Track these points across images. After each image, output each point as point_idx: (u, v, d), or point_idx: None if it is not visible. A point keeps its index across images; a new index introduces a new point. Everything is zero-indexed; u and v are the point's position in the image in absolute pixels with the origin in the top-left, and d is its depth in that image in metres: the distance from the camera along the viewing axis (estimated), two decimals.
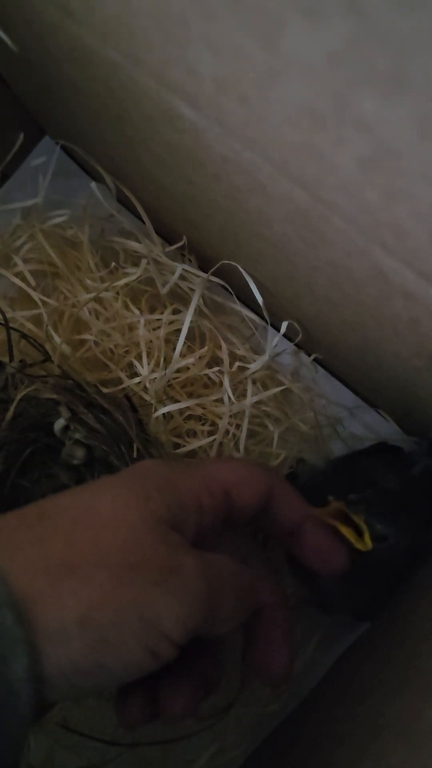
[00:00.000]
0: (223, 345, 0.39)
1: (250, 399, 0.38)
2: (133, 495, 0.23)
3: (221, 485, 0.25)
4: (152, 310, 0.41)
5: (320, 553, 0.27)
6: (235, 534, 0.28)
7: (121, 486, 0.23)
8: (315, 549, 0.27)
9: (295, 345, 0.43)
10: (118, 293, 0.39)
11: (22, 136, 0.43)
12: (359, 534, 0.27)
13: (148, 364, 0.38)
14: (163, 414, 0.38)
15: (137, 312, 0.39)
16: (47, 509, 0.22)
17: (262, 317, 0.42)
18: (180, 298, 0.41)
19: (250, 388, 0.38)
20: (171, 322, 0.39)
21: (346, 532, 0.26)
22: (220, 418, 0.38)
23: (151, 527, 0.22)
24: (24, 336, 0.36)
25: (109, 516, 0.22)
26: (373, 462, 0.36)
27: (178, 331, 0.39)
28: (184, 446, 0.38)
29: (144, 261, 0.39)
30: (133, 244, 0.41)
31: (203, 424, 0.40)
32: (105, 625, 0.20)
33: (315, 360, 0.43)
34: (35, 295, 0.39)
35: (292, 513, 0.27)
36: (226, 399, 0.38)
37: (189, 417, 0.40)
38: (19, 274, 0.40)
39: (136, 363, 0.38)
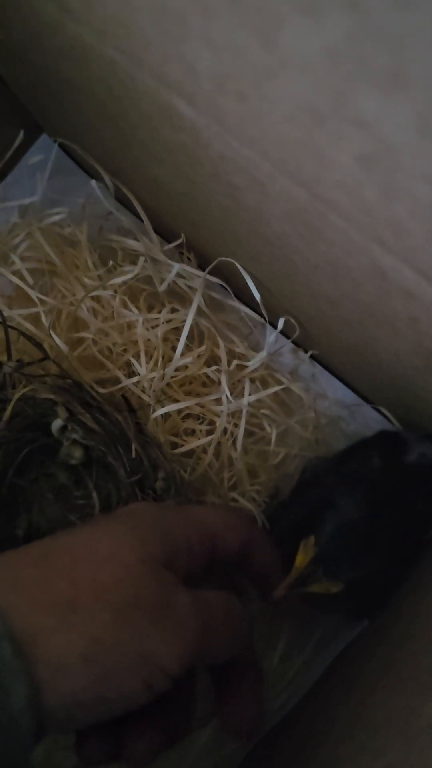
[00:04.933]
0: (221, 343, 0.39)
1: (247, 398, 0.38)
2: (129, 536, 0.24)
3: (208, 529, 0.27)
4: (150, 309, 0.41)
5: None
6: (216, 581, 0.30)
7: (119, 527, 0.25)
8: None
9: (293, 342, 0.42)
10: (116, 291, 0.39)
11: (22, 133, 0.43)
12: None
13: (147, 363, 0.38)
14: (161, 413, 0.37)
15: (135, 311, 0.39)
16: (50, 548, 0.23)
17: (260, 315, 0.42)
18: (178, 296, 0.41)
19: (247, 386, 0.38)
20: (169, 321, 0.39)
21: (316, 588, 0.30)
22: (219, 417, 0.38)
23: (147, 566, 0.23)
24: (22, 334, 0.36)
25: (108, 555, 0.23)
26: (371, 452, 0.36)
27: (176, 329, 0.39)
28: (182, 446, 0.38)
29: (142, 259, 0.39)
30: (132, 243, 0.41)
31: (201, 423, 0.39)
32: (106, 660, 0.21)
33: (313, 357, 0.43)
34: (33, 294, 0.39)
35: (267, 564, 0.30)
36: (224, 398, 0.38)
37: (187, 416, 0.40)
38: (16, 273, 0.40)
39: (134, 362, 0.38)
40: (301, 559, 0.30)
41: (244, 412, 0.38)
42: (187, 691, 0.27)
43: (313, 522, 0.30)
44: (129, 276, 0.39)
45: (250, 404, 0.38)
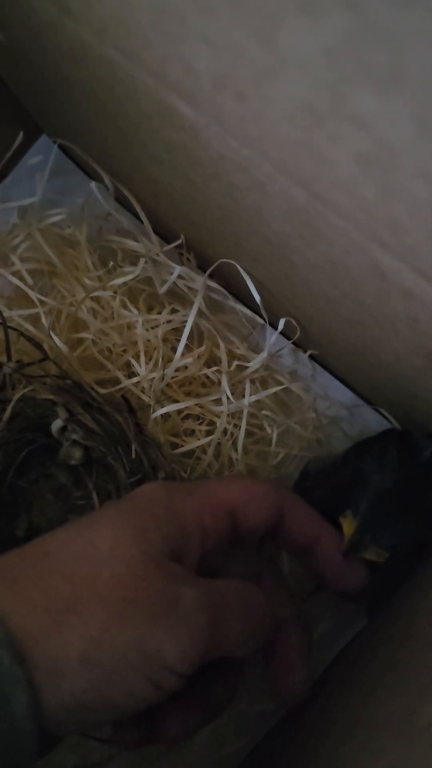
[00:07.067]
0: (221, 344, 0.39)
1: (248, 398, 0.38)
2: (130, 529, 0.23)
3: (225, 505, 0.26)
4: (150, 309, 0.41)
5: (336, 572, 0.28)
6: (246, 552, 0.28)
7: (119, 520, 0.24)
8: (331, 567, 0.28)
9: (293, 343, 0.42)
10: (115, 292, 0.39)
11: (21, 134, 0.43)
12: None
13: (146, 363, 0.38)
14: (161, 413, 0.37)
15: (135, 311, 0.39)
16: (50, 547, 0.23)
17: (260, 316, 0.42)
18: (178, 297, 0.41)
19: (248, 387, 0.38)
20: (169, 321, 0.39)
21: (369, 555, 0.28)
22: (218, 417, 0.38)
23: (149, 561, 0.22)
24: (22, 335, 0.36)
25: (107, 552, 0.22)
26: (383, 448, 0.36)
27: (176, 330, 0.39)
28: (182, 446, 0.38)
29: (142, 260, 0.39)
30: (131, 243, 0.41)
31: (201, 424, 0.40)
32: (106, 660, 0.20)
33: (312, 357, 0.43)
34: (33, 294, 0.39)
35: (305, 531, 0.28)
36: (224, 399, 0.38)
37: (187, 416, 0.40)
38: (16, 273, 0.40)
39: (134, 362, 0.38)
40: (348, 527, 0.28)
41: (245, 412, 0.38)
42: (222, 669, 0.25)
43: (340, 503, 0.29)
44: (129, 277, 0.39)
45: (249, 404, 0.38)
